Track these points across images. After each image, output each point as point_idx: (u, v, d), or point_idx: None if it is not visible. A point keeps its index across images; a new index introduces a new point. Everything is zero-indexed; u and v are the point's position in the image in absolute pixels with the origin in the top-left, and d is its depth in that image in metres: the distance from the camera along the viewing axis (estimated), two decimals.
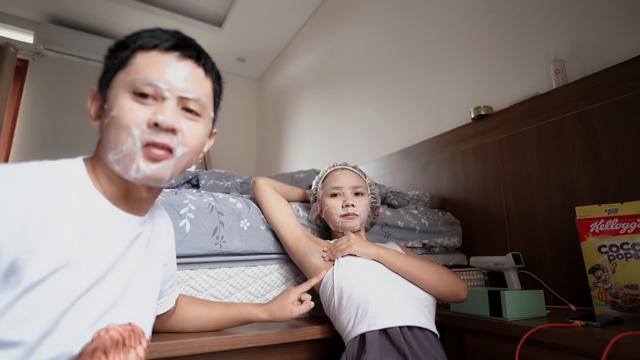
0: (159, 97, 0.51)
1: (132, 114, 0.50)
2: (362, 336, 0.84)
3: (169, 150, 0.51)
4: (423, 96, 2.07)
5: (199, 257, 0.94)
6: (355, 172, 1.10)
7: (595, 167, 1.21)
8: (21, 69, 3.25)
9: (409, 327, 0.83)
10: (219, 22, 3.56)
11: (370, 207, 1.12)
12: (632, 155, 1.13)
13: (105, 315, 0.50)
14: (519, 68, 1.56)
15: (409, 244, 1.41)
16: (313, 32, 3.35)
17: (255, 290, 1.02)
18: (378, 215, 1.17)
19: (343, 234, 1.06)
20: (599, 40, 1.30)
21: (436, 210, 1.63)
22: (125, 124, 0.49)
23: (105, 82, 0.53)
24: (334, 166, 1.13)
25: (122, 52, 0.53)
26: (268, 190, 1.08)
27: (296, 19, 3.43)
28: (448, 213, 1.65)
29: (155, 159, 0.51)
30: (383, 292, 0.87)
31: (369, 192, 1.11)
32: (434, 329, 0.87)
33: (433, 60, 2.02)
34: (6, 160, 3.07)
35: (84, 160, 0.54)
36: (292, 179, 1.53)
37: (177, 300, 0.78)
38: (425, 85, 2.06)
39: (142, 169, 0.50)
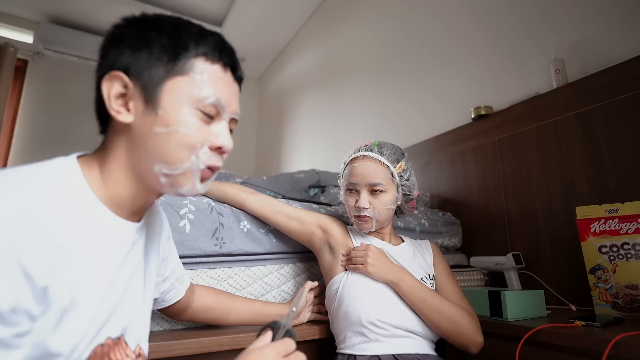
0: (217, 117, 0.52)
1: (200, 135, 0.49)
2: (353, 356, 0.84)
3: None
4: (423, 96, 2.06)
5: (198, 258, 0.94)
6: (380, 161, 0.92)
7: (596, 167, 1.21)
8: (21, 68, 3.25)
9: (404, 354, 0.82)
10: (219, 22, 3.56)
11: (404, 197, 0.96)
12: (632, 155, 1.13)
13: (103, 328, 0.48)
14: (519, 68, 1.56)
15: None
16: (313, 32, 3.35)
17: (255, 290, 1.02)
18: (413, 208, 1.01)
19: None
20: (599, 40, 1.30)
21: (436, 210, 1.63)
22: (192, 144, 0.49)
23: (151, 76, 0.48)
24: (359, 150, 0.96)
25: (179, 50, 0.49)
26: (252, 202, 1.00)
27: (296, 19, 3.43)
28: (448, 213, 1.65)
29: (206, 178, 0.52)
30: (381, 320, 0.83)
31: (400, 183, 0.93)
32: (433, 352, 0.86)
33: (433, 60, 2.02)
34: (6, 159, 3.07)
35: (79, 157, 0.50)
36: (292, 179, 1.53)
37: (193, 291, 0.81)
38: (425, 85, 2.05)
39: (197, 188, 0.51)
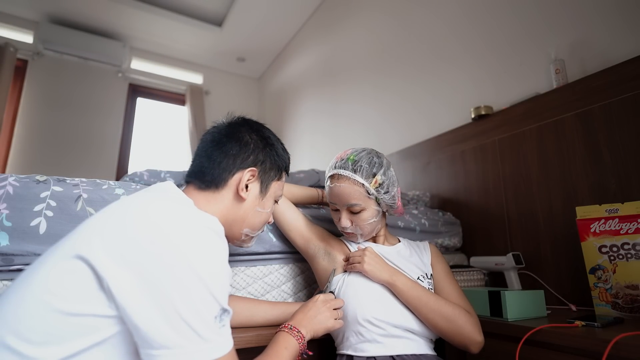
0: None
1: (270, 216, 0.80)
2: (350, 357, 0.84)
3: None
4: (423, 96, 2.07)
5: None
6: (354, 180, 0.90)
7: (596, 167, 1.21)
8: (21, 68, 3.25)
9: (403, 355, 0.82)
10: (219, 22, 3.56)
11: (387, 207, 0.96)
12: (632, 155, 1.13)
13: None
14: (519, 68, 1.56)
15: None
16: (313, 32, 3.35)
17: (255, 290, 1.02)
18: (401, 213, 1.03)
19: None
20: (599, 40, 1.30)
21: (436, 210, 1.63)
22: (267, 222, 0.79)
23: (268, 177, 0.75)
24: (334, 166, 0.95)
25: (282, 167, 0.79)
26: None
27: (296, 19, 3.43)
28: (448, 213, 1.65)
29: None
30: (376, 318, 0.83)
31: (379, 197, 0.92)
32: (432, 352, 0.86)
33: (433, 60, 2.02)
34: (5, 159, 3.06)
35: (183, 193, 0.68)
36: (291, 179, 1.52)
37: None
38: (426, 85, 2.06)
39: (252, 244, 0.81)
